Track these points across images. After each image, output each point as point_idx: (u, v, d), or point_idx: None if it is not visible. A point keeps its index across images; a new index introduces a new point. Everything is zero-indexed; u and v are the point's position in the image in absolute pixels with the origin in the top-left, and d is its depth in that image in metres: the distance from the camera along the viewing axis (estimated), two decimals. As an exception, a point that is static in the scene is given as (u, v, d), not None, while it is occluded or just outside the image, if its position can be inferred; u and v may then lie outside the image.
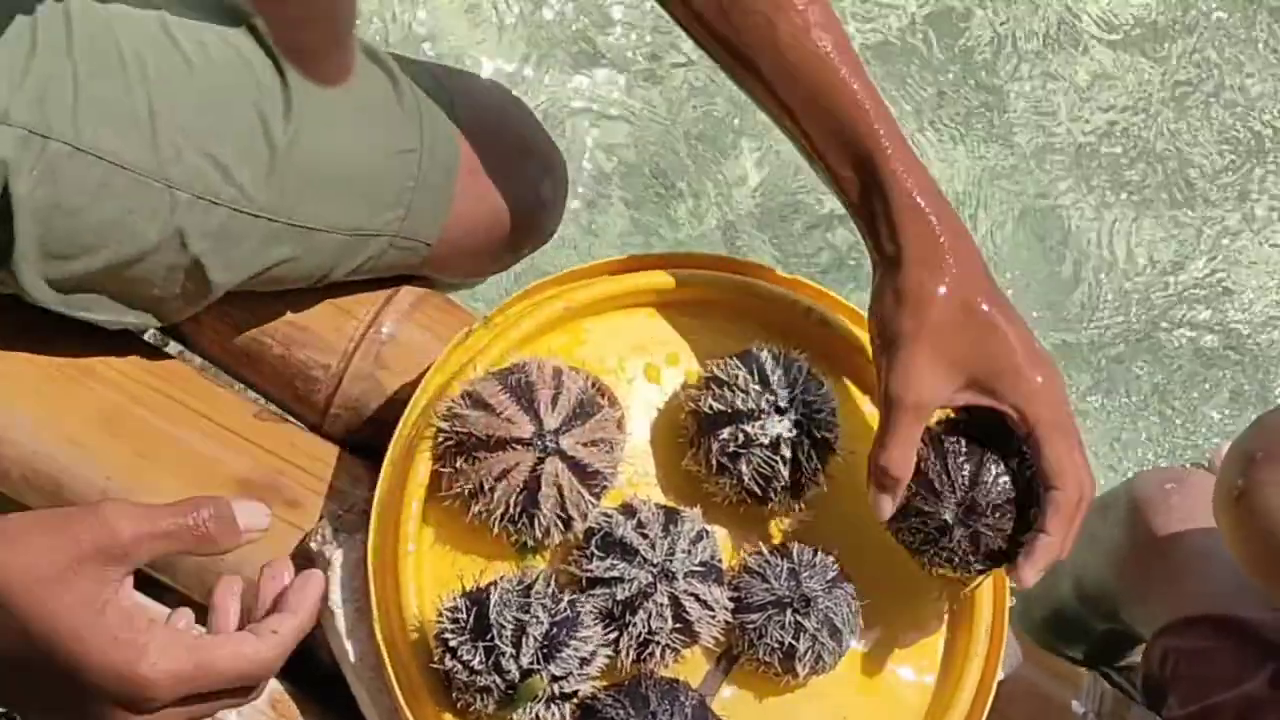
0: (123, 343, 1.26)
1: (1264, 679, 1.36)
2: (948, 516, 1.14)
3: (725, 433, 1.16)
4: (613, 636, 1.12)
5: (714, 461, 1.17)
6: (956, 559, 1.16)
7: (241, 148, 1.14)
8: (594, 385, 1.18)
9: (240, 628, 0.98)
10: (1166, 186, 2.23)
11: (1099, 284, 2.18)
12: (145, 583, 1.22)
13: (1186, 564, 1.51)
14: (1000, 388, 1.11)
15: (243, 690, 0.93)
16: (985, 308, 1.10)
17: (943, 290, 1.09)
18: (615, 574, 1.11)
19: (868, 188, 1.11)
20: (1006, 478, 1.15)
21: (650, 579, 1.11)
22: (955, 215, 1.11)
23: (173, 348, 1.34)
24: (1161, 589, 1.53)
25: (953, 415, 1.18)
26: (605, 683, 1.13)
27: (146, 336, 1.31)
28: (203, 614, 1.22)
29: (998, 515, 1.14)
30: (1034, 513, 1.15)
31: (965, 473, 1.15)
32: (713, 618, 1.14)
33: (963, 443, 1.16)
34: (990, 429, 1.16)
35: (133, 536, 0.90)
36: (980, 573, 1.18)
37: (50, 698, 0.88)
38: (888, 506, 1.14)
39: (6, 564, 0.86)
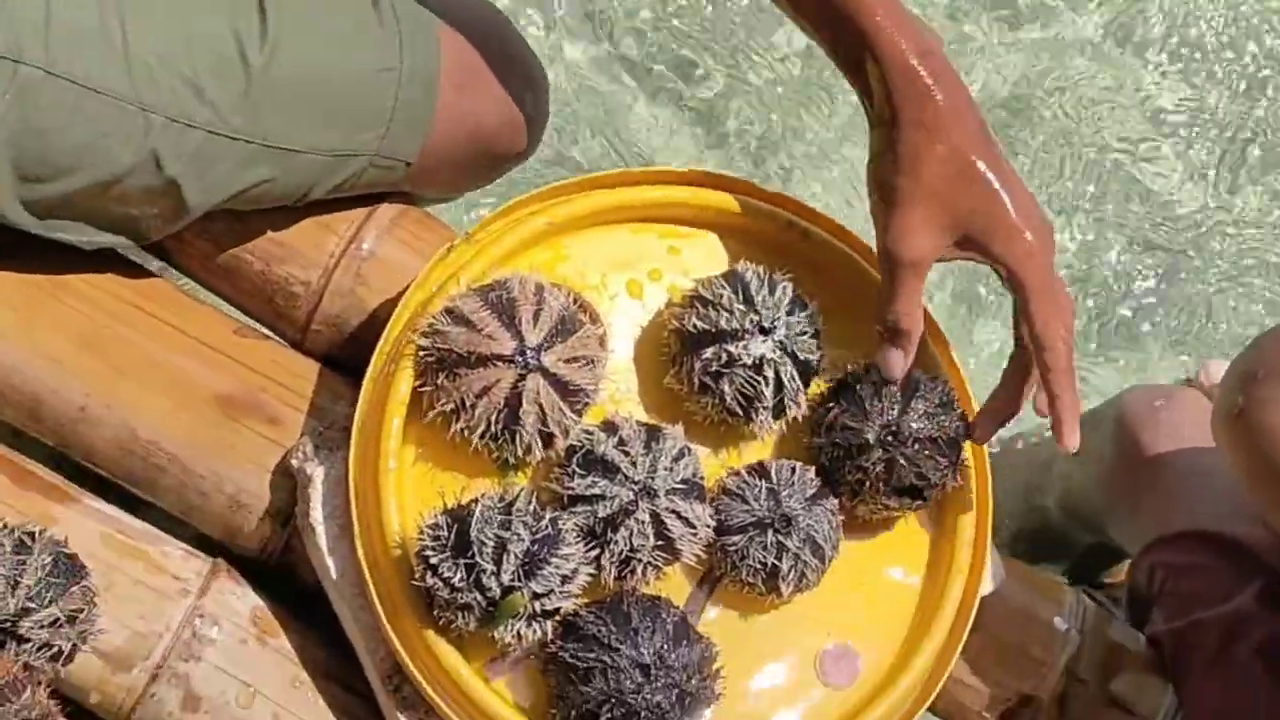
0: (101, 260, 1.25)
1: (1251, 595, 1.36)
2: (870, 436, 1.16)
3: (708, 352, 1.16)
4: (594, 554, 1.12)
5: (696, 380, 1.17)
6: (867, 483, 1.17)
7: (216, 69, 1.13)
8: (576, 302, 1.17)
9: None
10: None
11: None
12: (127, 500, 1.22)
13: (1175, 480, 1.51)
14: (993, 246, 1.13)
15: None
16: (982, 167, 1.11)
17: (939, 150, 1.10)
18: (597, 491, 1.11)
19: (859, 48, 1.11)
20: (936, 419, 1.17)
21: (632, 496, 1.11)
22: (955, 76, 1.12)
23: (152, 265, 1.33)
24: (1150, 505, 1.53)
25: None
26: (587, 600, 1.13)
27: (126, 254, 1.30)
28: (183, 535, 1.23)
29: (916, 448, 1.16)
30: (948, 467, 1.18)
31: (898, 400, 1.17)
32: (694, 535, 1.13)
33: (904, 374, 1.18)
34: (931, 379, 1.19)
35: None
36: (883, 507, 1.19)
37: None
38: (899, 362, 1.16)
39: None
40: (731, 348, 1.15)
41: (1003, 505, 1.76)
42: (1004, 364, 1.20)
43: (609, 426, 1.15)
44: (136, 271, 1.28)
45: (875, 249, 1.15)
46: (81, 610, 1.09)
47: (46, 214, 1.13)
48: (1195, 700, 1.35)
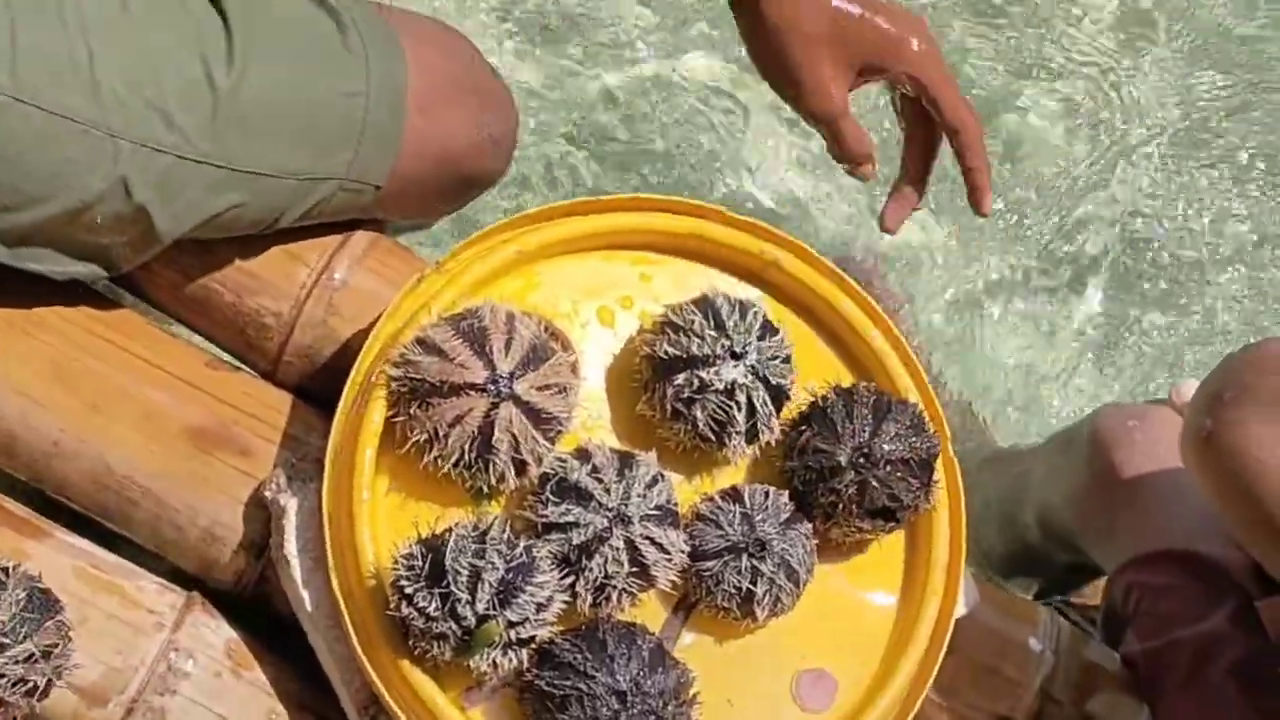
0: (71, 293, 1.25)
1: (1224, 616, 1.37)
2: (842, 459, 1.16)
3: (680, 378, 1.16)
4: (569, 581, 1.12)
5: (668, 406, 1.17)
6: (840, 505, 1.18)
7: (183, 94, 1.13)
8: (547, 330, 1.18)
9: None
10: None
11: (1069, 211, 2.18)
12: (101, 534, 1.22)
13: (1150, 500, 1.52)
14: (889, 63, 1.24)
15: None
16: (846, 6, 1.21)
17: (803, 10, 1.19)
18: (570, 519, 1.11)
19: None
20: (906, 440, 1.18)
21: (606, 523, 1.11)
22: None
23: (123, 298, 1.33)
24: (1125, 524, 1.53)
25: (863, 384, 1.22)
26: (562, 628, 1.13)
27: (96, 286, 1.30)
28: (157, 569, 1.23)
29: (889, 470, 1.17)
30: (920, 489, 1.18)
31: (869, 422, 1.17)
32: (669, 561, 1.14)
33: (872, 397, 1.19)
34: (902, 402, 1.20)
35: None
36: (856, 530, 1.20)
37: None
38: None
39: None
40: (703, 373, 1.15)
41: (980, 525, 1.76)
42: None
43: (582, 454, 1.15)
44: (107, 304, 1.28)
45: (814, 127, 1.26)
46: (56, 645, 1.09)
47: (16, 243, 1.13)
48: (1172, 717, 1.36)
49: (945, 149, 1.27)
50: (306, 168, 1.20)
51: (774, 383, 1.17)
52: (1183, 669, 1.35)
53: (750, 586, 1.15)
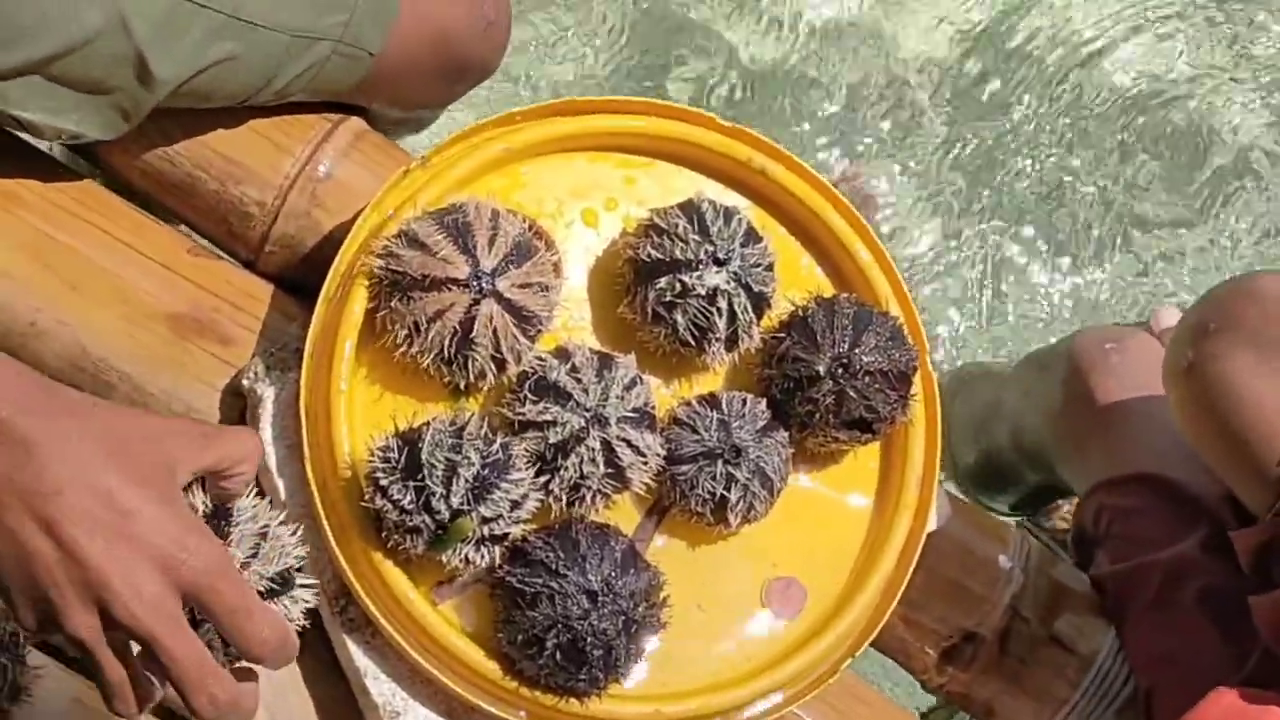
0: (55, 173, 1.24)
1: (1195, 541, 1.37)
2: (820, 368, 1.16)
3: (662, 281, 1.16)
4: (544, 480, 1.12)
5: (649, 310, 1.17)
6: (817, 415, 1.18)
7: None
8: (531, 228, 1.17)
9: None
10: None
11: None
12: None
13: (1125, 424, 1.52)
14: None
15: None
16: None
17: None
18: (548, 417, 1.11)
19: None
20: (887, 352, 1.18)
21: (583, 423, 1.11)
22: None
23: (106, 181, 1.32)
24: (1098, 447, 1.54)
25: (844, 295, 1.21)
26: (536, 527, 1.13)
27: (80, 169, 1.29)
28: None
29: (867, 381, 1.17)
30: (897, 401, 1.19)
31: (849, 333, 1.17)
32: (645, 464, 1.14)
33: (853, 308, 1.19)
34: (882, 314, 1.20)
35: (202, 433, 0.99)
36: (833, 440, 1.20)
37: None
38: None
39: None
40: (685, 278, 1.15)
41: (953, 438, 1.77)
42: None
43: (562, 354, 1.15)
44: (90, 187, 1.27)
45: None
46: None
47: (10, 81, 1.12)
48: (1137, 642, 1.37)
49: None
50: (304, 24, 1.19)
51: (756, 290, 1.17)
52: (1151, 591, 1.36)
53: (724, 492, 1.16)
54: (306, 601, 1.03)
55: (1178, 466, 1.43)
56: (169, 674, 0.92)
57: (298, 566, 1.03)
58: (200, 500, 0.99)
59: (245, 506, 1.01)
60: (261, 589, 0.99)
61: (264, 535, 1.00)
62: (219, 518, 1.00)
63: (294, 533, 1.03)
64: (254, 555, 0.99)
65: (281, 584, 1.01)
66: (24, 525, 0.89)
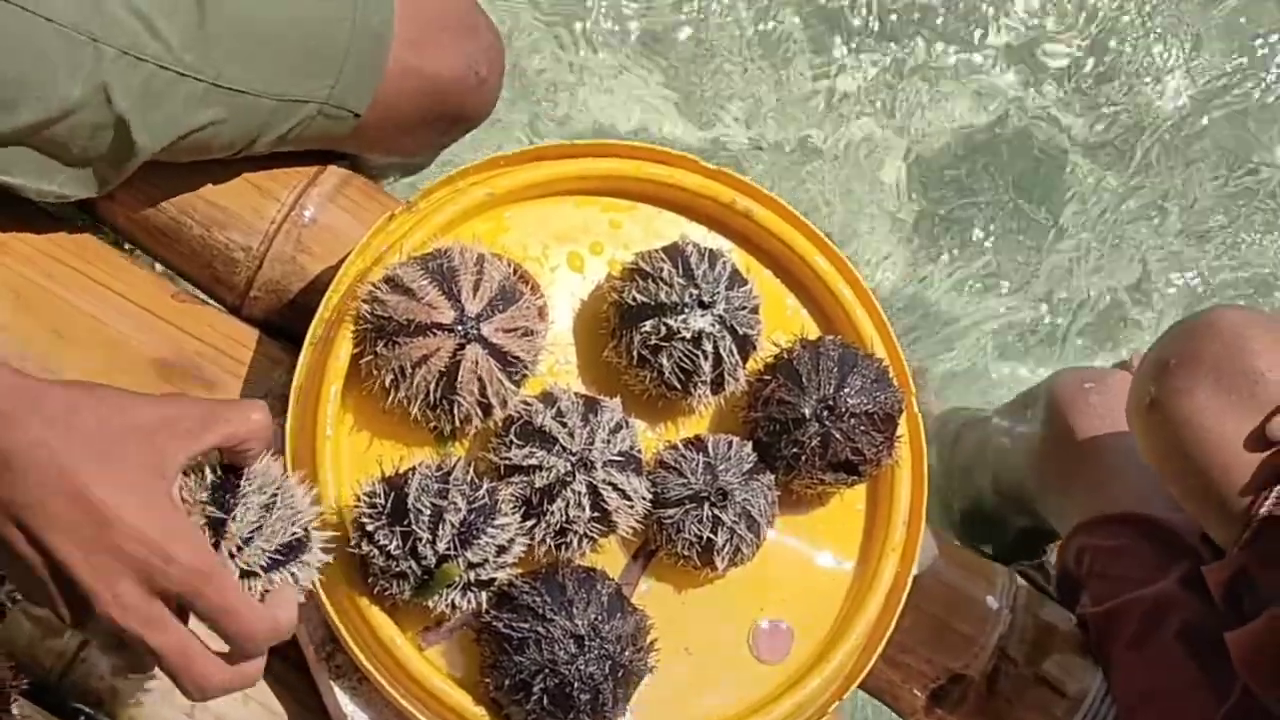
0: (40, 221, 1.24)
1: (1175, 578, 1.38)
2: (806, 410, 1.17)
3: (647, 325, 1.16)
4: (530, 524, 1.12)
5: (635, 353, 1.17)
6: (803, 457, 1.18)
7: (170, 4, 1.12)
8: (516, 272, 1.17)
9: None
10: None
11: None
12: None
13: (1104, 463, 1.52)
14: None
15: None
16: None
17: None
18: (534, 462, 1.11)
19: None
20: (871, 394, 1.18)
21: (569, 467, 1.11)
22: None
23: (91, 227, 1.32)
24: (1079, 487, 1.54)
25: (829, 337, 1.22)
26: (522, 571, 1.13)
27: (65, 214, 1.29)
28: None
29: (853, 423, 1.17)
30: (883, 443, 1.19)
31: (834, 376, 1.18)
32: (631, 507, 1.14)
33: (838, 350, 1.19)
34: (868, 356, 1.21)
35: (200, 416, 0.94)
36: (818, 482, 1.20)
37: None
38: None
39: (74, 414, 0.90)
40: (671, 321, 1.15)
41: (940, 486, 1.77)
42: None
43: (547, 398, 1.15)
44: (76, 234, 1.27)
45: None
46: None
47: None
48: (1120, 680, 1.37)
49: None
50: (288, 89, 1.20)
51: (741, 333, 1.17)
52: (1132, 629, 1.36)
53: (711, 535, 1.16)
54: (316, 565, 1.01)
55: (1157, 504, 1.43)
56: (159, 665, 0.93)
57: (305, 531, 1.00)
58: (208, 473, 0.97)
59: (256, 472, 0.99)
60: (264, 564, 0.97)
61: (271, 505, 0.98)
62: (226, 490, 0.97)
63: (307, 493, 1.01)
64: (258, 529, 0.97)
65: (287, 553, 0.99)
66: (13, 535, 0.89)
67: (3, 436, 0.89)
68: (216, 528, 0.95)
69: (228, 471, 0.98)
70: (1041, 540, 1.80)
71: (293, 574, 0.99)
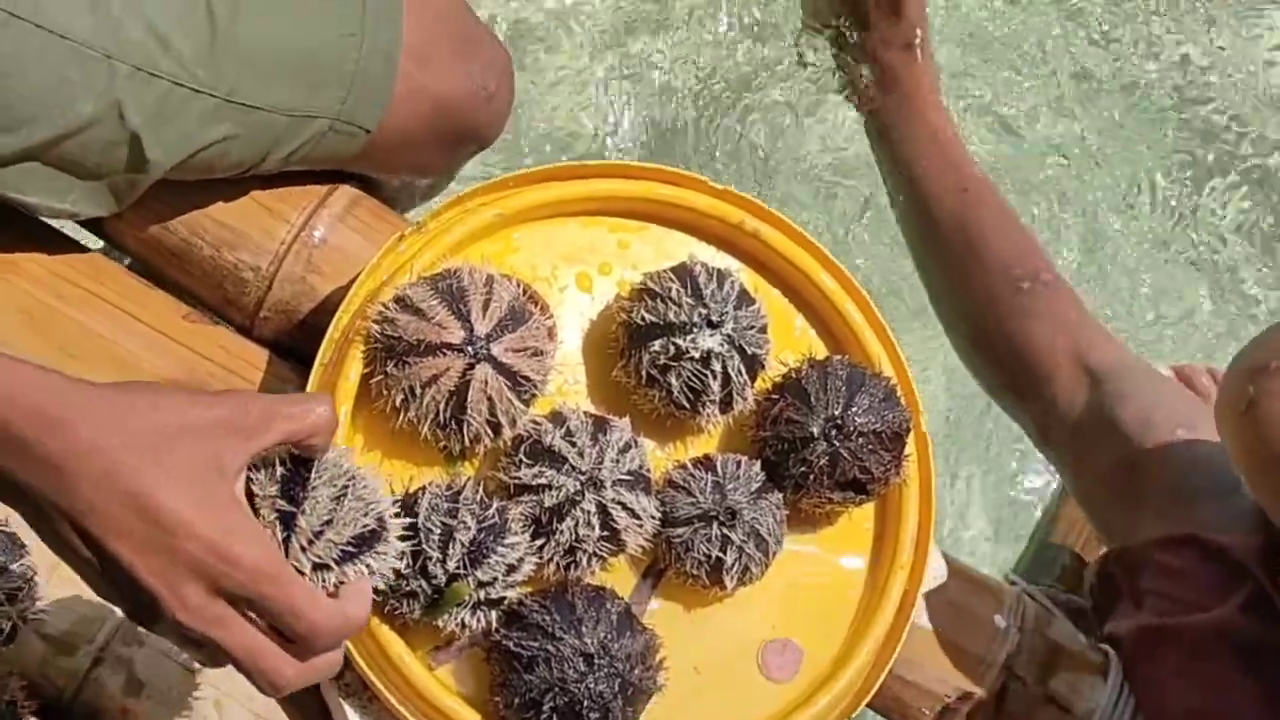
0: (50, 241, 1.24)
1: (1236, 604, 1.36)
2: (814, 429, 1.17)
3: (656, 345, 1.16)
4: (540, 544, 1.12)
5: (644, 373, 1.17)
6: (811, 476, 1.18)
7: (182, 21, 1.13)
8: (526, 292, 1.18)
9: None
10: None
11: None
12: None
13: (1169, 480, 1.51)
14: None
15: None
16: None
17: None
18: (543, 481, 1.12)
19: None
20: (879, 413, 1.19)
21: (578, 487, 1.11)
22: None
23: (101, 248, 1.33)
24: (1148, 505, 1.52)
25: (837, 357, 1.22)
26: (531, 590, 1.13)
27: (75, 236, 1.29)
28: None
29: (860, 442, 1.18)
30: (891, 462, 1.19)
31: (842, 395, 1.18)
32: (640, 527, 1.14)
33: (846, 370, 1.19)
34: (875, 375, 1.21)
35: (260, 414, 0.92)
36: (827, 501, 1.21)
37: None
38: None
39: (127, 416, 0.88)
40: (679, 341, 1.16)
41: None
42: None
43: (556, 417, 1.15)
44: (85, 254, 1.27)
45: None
46: (22, 588, 1.08)
47: (4, 167, 1.12)
48: (1164, 699, 1.36)
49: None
50: (299, 104, 1.20)
51: (749, 352, 1.18)
52: (1184, 653, 1.35)
53: (720, 555, 1.16)
54: (392, 555, 0.99)
55: (1222, 527, 1.42)
56: (231, 663, 0.92)
57: (379, 522, 0.98)
58: (278, 466, 0.95)
59: (327, 464, 0.97)
60: (336, 556, 0.96)
61: (342, 497, 0.96)
62: (295, 483, 0.96)
63: (379, 484, 0.99)
64: (329, 522, 0.96)
65: (359, 545, 0.97)
66: (74, 540, 0.89)
67: (56, 442, 0.88)
68: (287, 521, 0.94)
69: (298, 464, 0.96)
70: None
71: (367, 565, 0.97)
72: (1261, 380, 1.27)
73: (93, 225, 1.29)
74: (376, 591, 1.09)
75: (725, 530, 1.16)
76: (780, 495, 1.20)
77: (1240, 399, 1.28)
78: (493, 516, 1.09)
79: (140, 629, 1.06)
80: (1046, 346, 1.53)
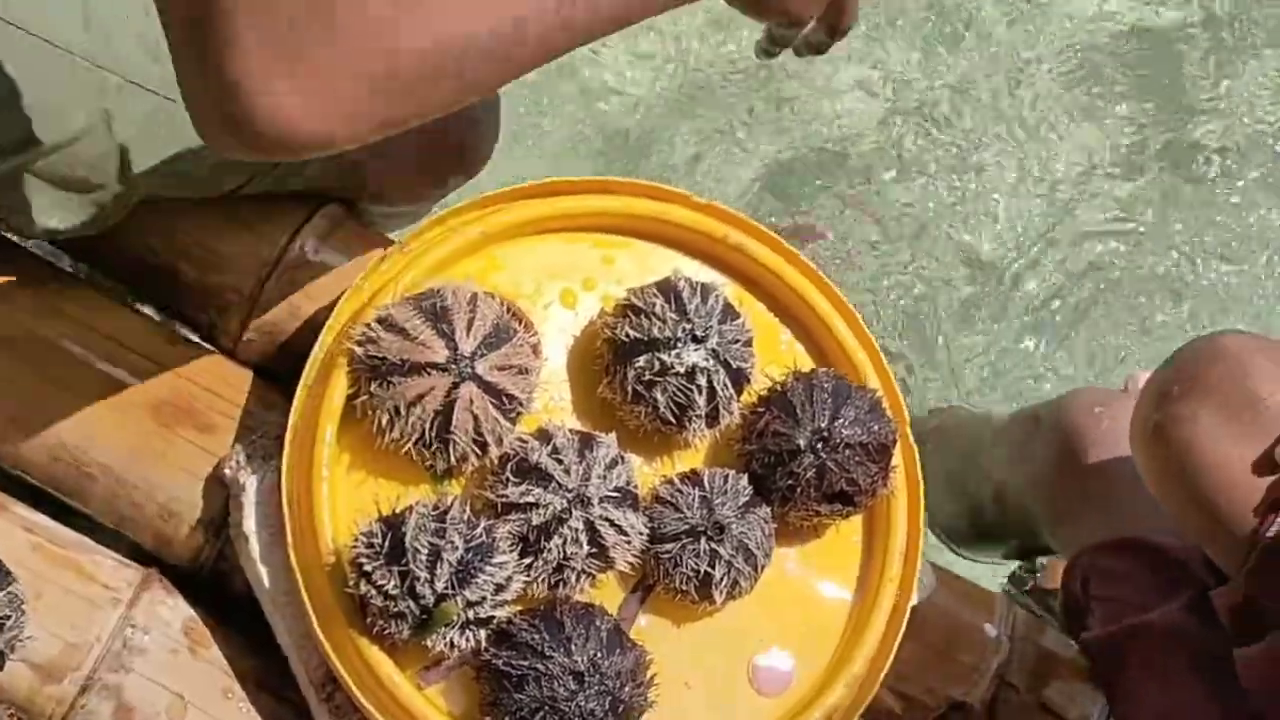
0: (33, 266, 1.24)
1: (1180, 605, 1.37)
2: (801, 441, 1.17)
3: (641, 360, 1.16)
4: (528, 562, 1.12)
5: (629, 389, 1.17)
6: (799, 488, 1.18)
7: None
8: (510, 310, 1.18)
9: None
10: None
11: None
12: (61, 510, 1.21)
13: (1112, 491, 1.52)
14: None
15: None
16: None
17: None
18: (530, 499, 1.11)
19: None
20: (865, 425, 1.19)
21: (565, 504, 1.11)
22: None
23: (85, 272, 1.32)
24: (1090, 514, 1.53)
25: (823, 369, 1.22)
26: (520, 608, 1.13)
27: (58, 262, 1.29)
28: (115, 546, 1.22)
29: (847, 454, 1.18)
30: (878, 474, 1.19)
31: (828, 407, 1.18)
32: (628, 543, 1.14)
33: (832, 382, 1.19)
34: (861, 388, 1.21)
35: None
36: (814, 513, 1.20)
37: None
38: None
39: None
40: (664, 356, 1.15)
41: (928, 488, 1.76)
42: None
43: (543, 435, 1.15)
44: (69, 278, 1.28)
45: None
46: (9, 617, 1.08)
47: None
48: (1134, 701, 1.36)
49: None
50: None
51: (734, 366, 1.18)
52: (1145, 657, 1.36)
53: (708, 569, 1.16)
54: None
55: (1162, 530, 1.42)
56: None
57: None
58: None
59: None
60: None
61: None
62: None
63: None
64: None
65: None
66: None
67: None
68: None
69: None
70: (1033, 555, 1.80)
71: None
72: (1166, 406, 1.28)
73: (78, 249, 1.29)
74: (367, 611, 1.09)
75: (713, 545, 1.16)
76: (768, 509, 1.19)
77: (1148, 425, 1.29)
78: (480, 535, 1.08)
79: (127, 657, 1.07)
80: None
